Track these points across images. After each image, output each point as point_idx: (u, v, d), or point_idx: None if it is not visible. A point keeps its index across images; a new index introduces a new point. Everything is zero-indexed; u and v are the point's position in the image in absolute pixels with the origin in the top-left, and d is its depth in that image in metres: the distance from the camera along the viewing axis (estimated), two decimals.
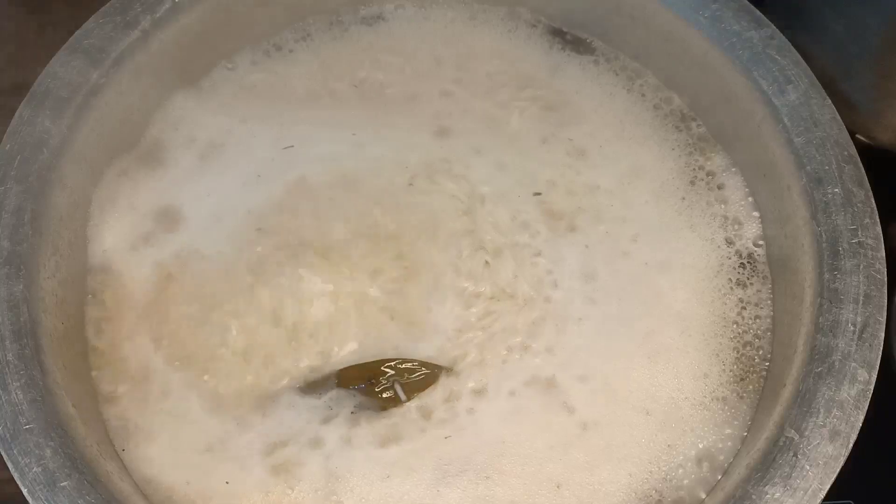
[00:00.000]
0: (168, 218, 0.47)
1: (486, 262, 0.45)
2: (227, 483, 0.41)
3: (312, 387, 0.43)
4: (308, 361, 0.43)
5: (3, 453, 0.37)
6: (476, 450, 0.42)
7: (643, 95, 0.50)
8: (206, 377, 0.43)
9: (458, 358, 0.43)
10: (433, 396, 0.43)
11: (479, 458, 0.41)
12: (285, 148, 0.48)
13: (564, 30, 0.52)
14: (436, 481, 0.41)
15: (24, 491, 0.36)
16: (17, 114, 0.43)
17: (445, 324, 0.44)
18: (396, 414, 0.42)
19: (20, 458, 0.37)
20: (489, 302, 0.44)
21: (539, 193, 0.46)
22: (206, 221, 0.47)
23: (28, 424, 0.37)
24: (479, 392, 0.43)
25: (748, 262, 0.46)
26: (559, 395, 0.43)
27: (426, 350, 0.44)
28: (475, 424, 0.42)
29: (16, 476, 0.36)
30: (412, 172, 0.47)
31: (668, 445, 0.42)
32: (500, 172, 0.47)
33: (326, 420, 0.42)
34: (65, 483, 0.36)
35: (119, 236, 0.46)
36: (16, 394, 0.38)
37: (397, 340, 0.44)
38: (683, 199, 0.47)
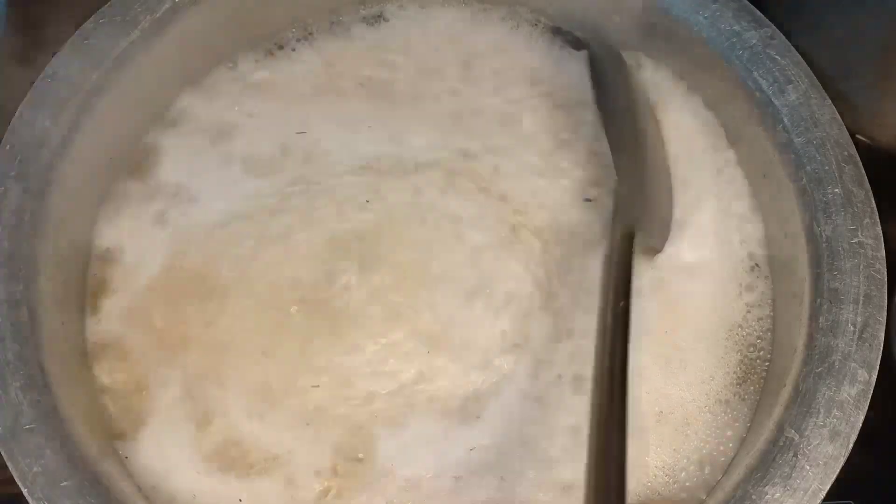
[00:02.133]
0: (171, 218, 0.47)
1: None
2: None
3: None
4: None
5: (3, 453, 0.37)
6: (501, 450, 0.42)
7: None
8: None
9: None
10: None
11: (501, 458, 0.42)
12: (298, 133, 0.48)
13: (564, 29, 0.52)
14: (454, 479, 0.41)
15: (25, 491, 0.36)
16: (17, 114, 0.43)
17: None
18: None
19: (20, 459, 0.37)
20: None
21: (590, 199, 0.46)
22: (213, 218, 0.47)
23: (28, 424, 0.37)
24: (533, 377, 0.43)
25: (750, 263, 0.46)
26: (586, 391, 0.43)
27: None
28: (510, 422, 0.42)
29: (16, 476, 0.36)
30: (441, 169, 0.48)
31: (674, 449, 0.42)
32: (539, 179, 0.47)
33: None
34: (65, 483, 0.37)
35: (120, 236, 0.46)
36: (16, 394, 0.38)
37: None
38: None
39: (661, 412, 0.43)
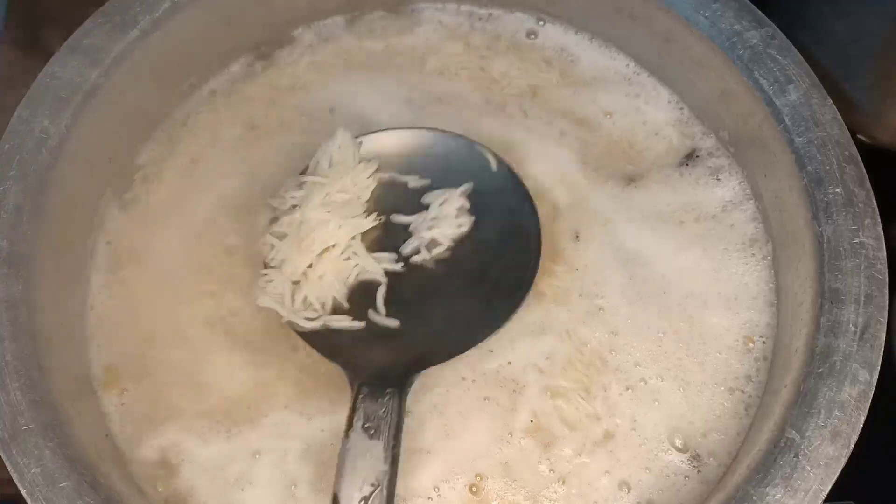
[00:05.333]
0: (173, 218, 0.47)
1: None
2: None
3: None
4: None
5: (2, 454, 0.37)
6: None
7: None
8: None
9: None
10: None
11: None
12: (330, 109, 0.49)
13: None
14: None
15: (24, 492, 0.36)
16: (15, 113, 0.43)
17: None
18: None
19: (19, 459, 0.37)
20: None
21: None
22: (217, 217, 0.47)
23: (27, 425, 0.37)
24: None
25: (750, 263, 0.46)
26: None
27: None
28: None
29: (15, 477, 0.36)
30: None
31: (672, 450, 0.42)
32: None
33: None
34: (64, 484, 0.36)
35: (120, 237, 0.46)
36: (15, 394, 0.38)
37: None
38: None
39: (661, 408, 0.43)
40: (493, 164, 0.46)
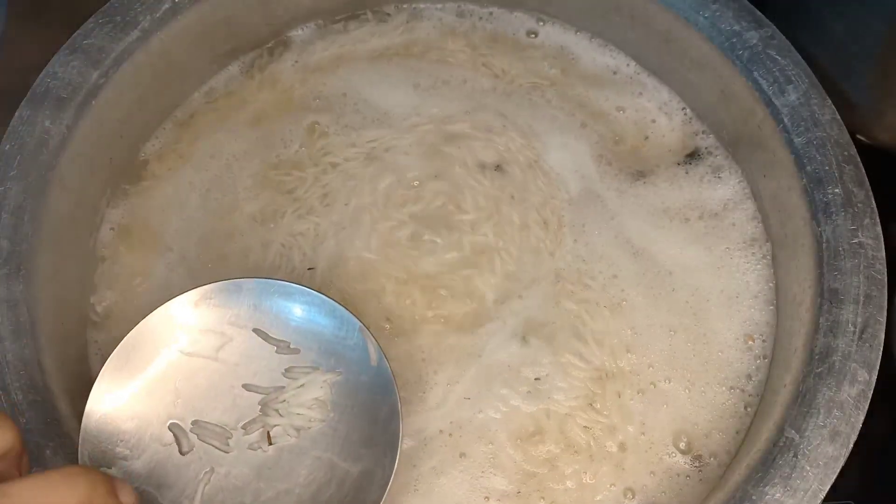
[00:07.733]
0: (175, 218, 0.47)
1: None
2: None
3: None
4: None
5: None
6: None
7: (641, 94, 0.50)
8: None
9: None
10: None
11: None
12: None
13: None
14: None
15: None
16: (16, 114, 0.43)
17: None
18: None
19: None
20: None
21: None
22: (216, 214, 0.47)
23: (27, 425, 0.37)
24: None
25: (750, 262, 0.46)
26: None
27: None
28: None
29: None
30: None
31: (676, 452, 0.42)
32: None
33: None
34: None
35: (122, 237, 0.47)
36: (15, 394, 0.38)
37: None
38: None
39: (669, 410, 0.43)
40: (373, 358, 0.38)
